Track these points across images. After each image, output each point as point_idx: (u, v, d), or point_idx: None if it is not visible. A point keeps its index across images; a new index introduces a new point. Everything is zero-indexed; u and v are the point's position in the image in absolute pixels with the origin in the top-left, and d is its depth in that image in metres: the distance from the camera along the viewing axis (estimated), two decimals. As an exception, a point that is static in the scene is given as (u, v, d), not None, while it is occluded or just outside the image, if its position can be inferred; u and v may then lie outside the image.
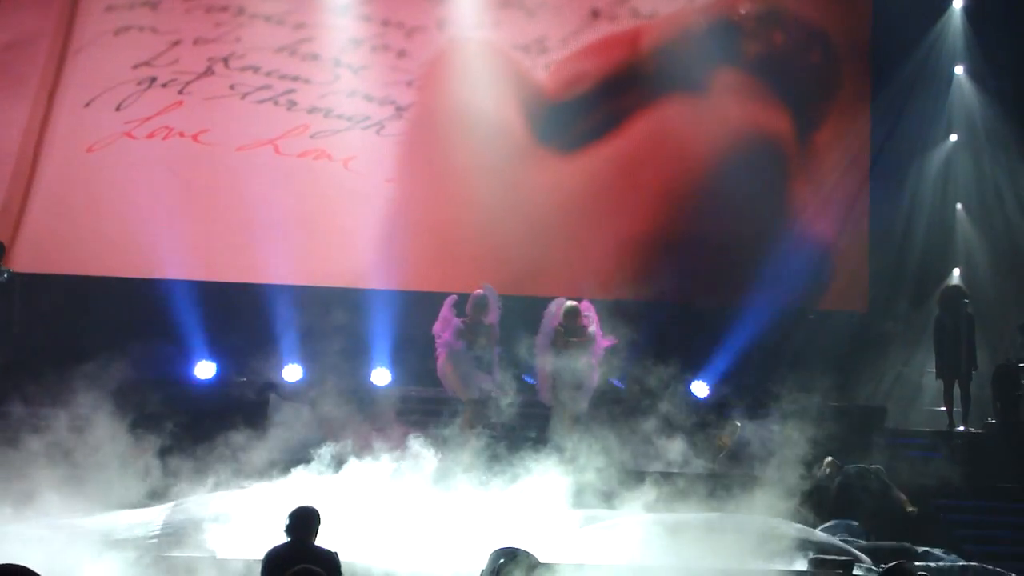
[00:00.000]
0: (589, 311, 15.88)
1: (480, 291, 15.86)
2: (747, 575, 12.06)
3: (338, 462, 13.27)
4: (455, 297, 15.83)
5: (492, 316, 15.80)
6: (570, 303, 15.81)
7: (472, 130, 18.56)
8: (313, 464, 13.31)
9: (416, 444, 13.20)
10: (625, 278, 18.52)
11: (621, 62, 18.91)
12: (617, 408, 16.04)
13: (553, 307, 15.87)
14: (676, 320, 18.28)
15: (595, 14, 19.07)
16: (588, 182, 18.73)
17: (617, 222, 18.74)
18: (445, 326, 15.67)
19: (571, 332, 15.71)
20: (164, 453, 13.28)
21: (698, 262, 18.51)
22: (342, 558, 9.24)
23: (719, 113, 18.93)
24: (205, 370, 17.24)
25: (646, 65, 18.93)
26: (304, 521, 9.27)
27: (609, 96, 18.80)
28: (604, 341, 15.88)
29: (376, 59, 18.61)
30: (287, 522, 9.30)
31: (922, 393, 18.75)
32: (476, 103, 18.59)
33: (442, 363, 15.70)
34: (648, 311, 18.17)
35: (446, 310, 15.74)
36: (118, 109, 18.08)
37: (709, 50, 18.94)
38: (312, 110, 18.46)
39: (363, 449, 13.77)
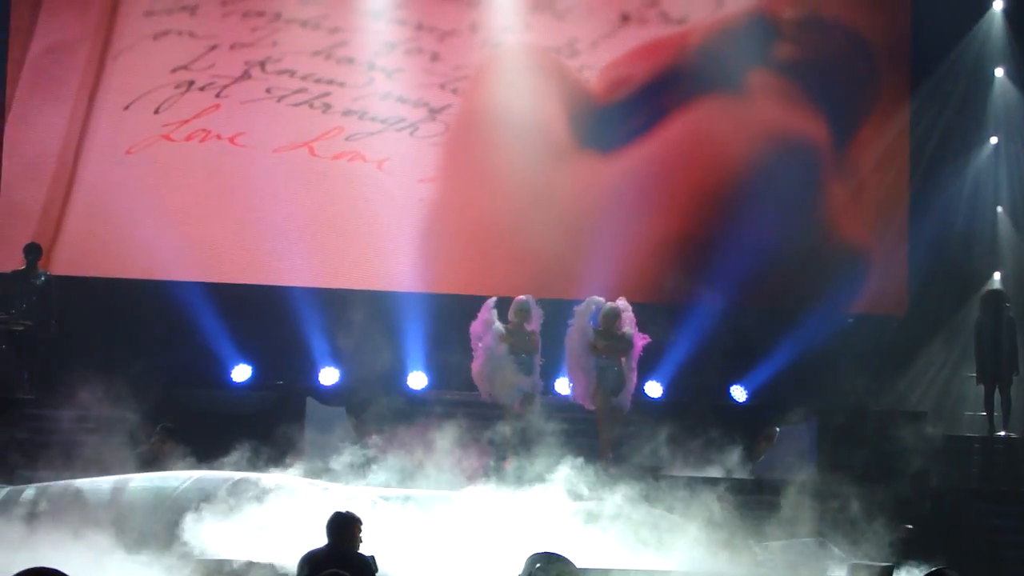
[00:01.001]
0: (627, 311, 15.65)
1: (523, 297, 15.68)
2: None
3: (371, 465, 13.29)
4: (495, 299, 15.67)
5: (534, 324, 15.58)
6: (609, 305, 15.56)
7: (509, 132, 18.58)
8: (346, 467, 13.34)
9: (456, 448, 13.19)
10: (661, 280, 18.48)
11: (662, 65, 18.86)
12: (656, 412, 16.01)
13: (586, 307, 15.60)
14: (714, 323, 18.17)
15: (625, 18, 19.08)
16: (626, 184, 18.67)
17: (653, 224, 18.67)
18: (486, 329, 15.47)
19: (610, 335, 15.49)
20: (197, 457, 13.26)
21: (735, 265, 18.41)
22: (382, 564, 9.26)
23: (756, 116, 18.86)
24: (241, 373, 17.27)
25: (685, 67, 18.88)
26: (343, 526, 9.27)
27: (649, 98, 18.77)
28: (641, 340, 15.69)
29: (410, 62, 18.69)
30: (327, 526, 9.30)
31: (963, 398, 18.60)
32: (515, 105, 18.63)
33: (480, 365, 15.49)
34: (684, 314, 18.12)
35: (486, 312, 15.54)
36: (156, 112, 18.20)
37: (746, 52, 18.87)
38: (347, 113, 18.55)
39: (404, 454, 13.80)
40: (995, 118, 19.62)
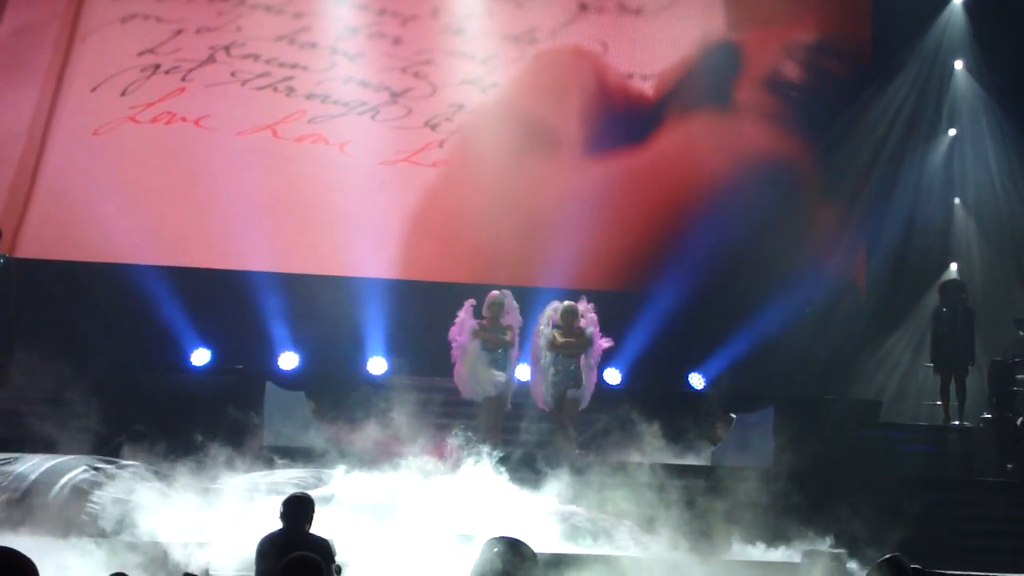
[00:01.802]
0: (588, 311, 15.54)
1: (496, 292, 15.56)
2: (743, 566, 12.06)
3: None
4: (473, 300, 15.55)
5: (510, 318, 15.45)
6: (567, 302, 15.48)
7: (488, 122, 18.69)
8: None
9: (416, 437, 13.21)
10: (628, 272, 18.59)
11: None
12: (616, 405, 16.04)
13: (549, 310, 15.52)
14: (674, 314, 18.25)
15: (583, 7, 19.21)
16: (601, 184, 18.79)
17: (622, 218, 18.80)
18: (461, 329, 15.39)
19: (568, 332, 15.37)
20: (157, 441, 13.21)
21: (696, 256, 18.52)
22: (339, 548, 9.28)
23: (734, 129, 19.02)
24: (200, 357, 17.24)
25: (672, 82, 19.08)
26: (298, 508, 9.25)
27: (642, 108, 18.94)
28: (602, 343, 15.57)
29: (371, 46, 18.78)
30: (281, 509, 9.29)
31: (919, 387, 18.75)
32: (505, 99, 18.74)
33: (458, 367, 15.40)
34: (648, 304, 18.20)
35: (462, 313, 15.43)
36: (123, 94, 18.22)
37: (717, 68, 19.06)
38: (310, 96, 18.63)
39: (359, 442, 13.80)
40: (954, 110, 19.76)
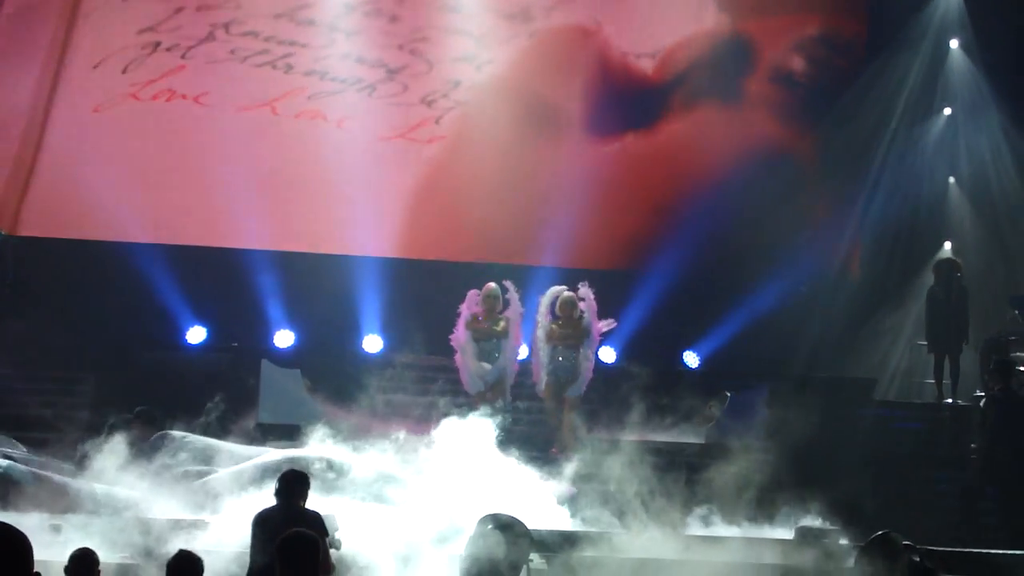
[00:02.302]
0: (587, 297, 15.33)
1: (492, 284, 15.26)
2: (736, 542, 12.13)
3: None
4: (476, 292, 15.27)
5: (510, 310, 15.19)
6: (567, 293, 15.26)
7: (493, 99, 18.72)
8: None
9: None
10: (625, 252, 18.64)
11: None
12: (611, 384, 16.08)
13: (549, 297, 15.29)
14: (670, 293, 18.29)
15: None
16: (598, 164, 18.82)
17: (622, 197, 18.84)
18: (461, 321, 15.18)
19: (567, 324, 15.19)
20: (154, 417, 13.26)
21: (694, 234, 18.57)
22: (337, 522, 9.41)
23: (731, 114, 19.06)
24: (196, 335, 17.29)
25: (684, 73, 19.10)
26: (293, 484, 9.40)
27: (641, 88, 18.93)
28: (600, 326, 15.42)
29: (369, 24, 18.81)
30: (276, 485, 9.43)
31: (913, 365, 18.81)
32: (512, 77, 18.72)
33: (456, 359, 15.23)
34: (643, 283, 18.24)
35: (464, 305, 15.20)
36: (124, 72, 18.27)
37: (721, 59, 19.10)
38: (308, 73, 18.68)
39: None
40: (949, 89, 19.77)
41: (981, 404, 15.27)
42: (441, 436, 13.03)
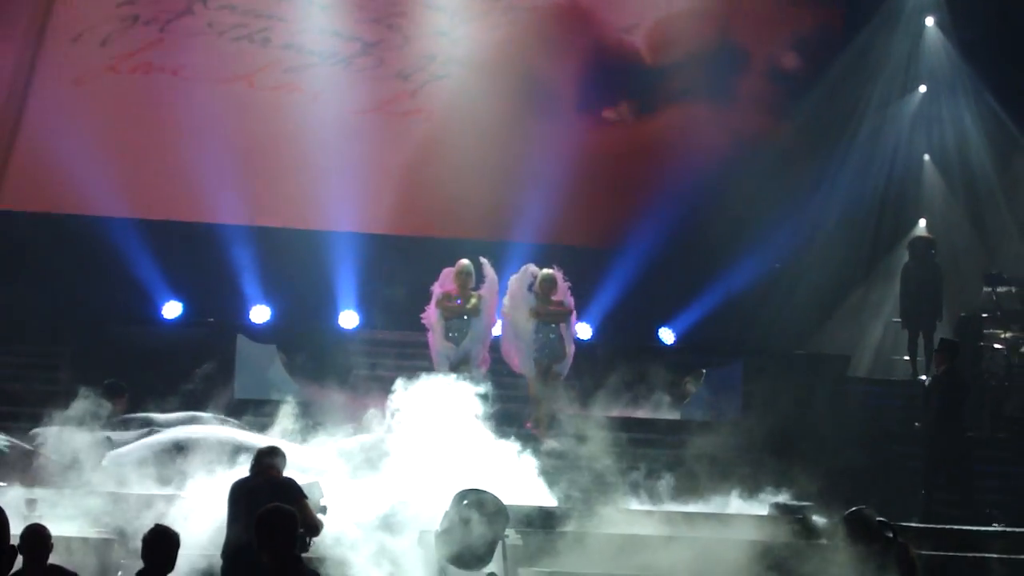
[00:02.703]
0: (562, 279, 15.19)
1: (464, 260, 15.03)
2: (711, 518, 12.18)
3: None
4: (449, 269, 15.04)
5: (485, 286, 14.96)
6: (547, 271, 15.11)
7: (459, 75, 18.68)
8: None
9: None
10: (601, 228, 18.65)
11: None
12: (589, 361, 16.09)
13: (522, 274, 15.09)
14: (645, 269, 18.31)
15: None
16: (576, 140, 18.81)
17: (600, 180, 18.82)
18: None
19: (548, 302, 15.04)
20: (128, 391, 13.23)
21: (675, 220, 18.61)
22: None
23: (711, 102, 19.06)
24: (172, 310, 17.24)
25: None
26: (265, 456, 9.63)
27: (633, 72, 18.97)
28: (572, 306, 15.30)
29: (344, -3, 18.79)
30: (252, 458, 9.68)
31: (887, 342, 18.88)
32: (475, 51, 18.67)
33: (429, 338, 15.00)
34: (619, 260, 18.27)
35: (436, 286, 14.96)
36: (103, 45, 18.25)
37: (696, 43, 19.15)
38: (285, 47, 18.68)
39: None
40: (925, 67, 19.80)
41: (926, 384, 15.37)
42: (407, 410, 12.83)
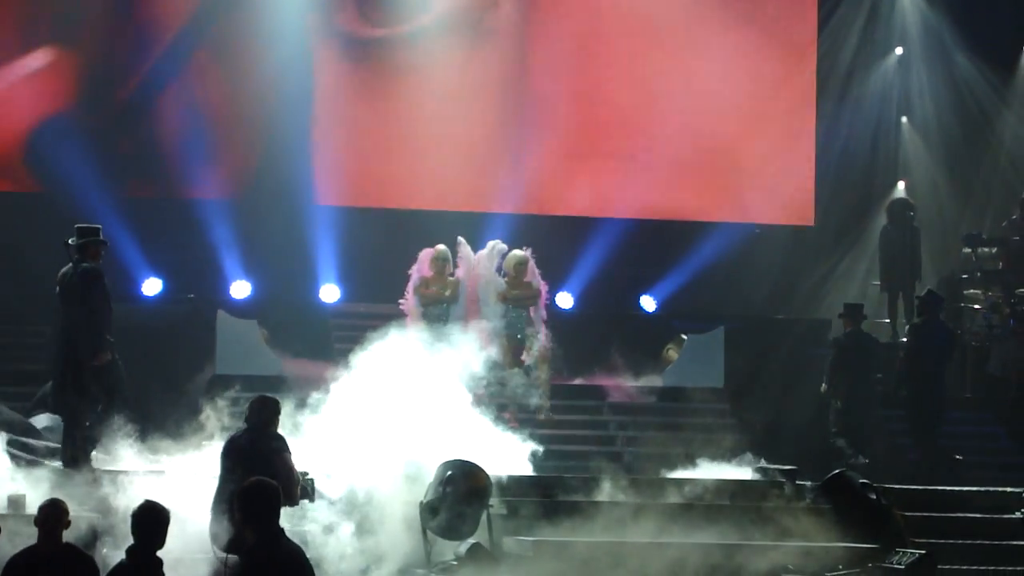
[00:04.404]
0: (530, 259, 14.89)
1: (440, 246, 14.72)
2: (695, 483, 12.21)
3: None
4: (429, 251, 14.74)
5: (461, 269, 14.70)
6: (518, 253, 14.78)
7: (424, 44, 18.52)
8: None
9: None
10: (580, 196, 18.62)
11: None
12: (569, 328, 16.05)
13: (490, 252, 14.78)
14: (626, 235, 18.29)
15: None
16: (550, 108, 18.67)
17: (572, 142, 18.73)
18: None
19: (516, 284, 14.75)
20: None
21: (649, 177, 18.56)
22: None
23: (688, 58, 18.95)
24: (152, 287, 17.17)
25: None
26: (261, 408, 9.73)
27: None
28: (543, 289, 15.00)
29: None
30: (246, 412, 9.83)
31: (867, 305, 18.89)
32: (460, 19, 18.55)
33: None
34: (597, 226, 18.25)
35: (413, 271, 14.73)
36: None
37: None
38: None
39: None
40: (900, 29, 19.77)
41: (833, 345, 15.48)
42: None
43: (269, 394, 10.15)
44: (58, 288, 11.99)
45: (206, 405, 11.80)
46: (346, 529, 10.75)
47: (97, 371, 11.85)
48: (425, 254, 14.72)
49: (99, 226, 12.25)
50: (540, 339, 14.76)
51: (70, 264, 11.91)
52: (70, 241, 11.97)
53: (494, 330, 14.50)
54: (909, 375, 15.02)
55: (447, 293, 14.59)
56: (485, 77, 18.67)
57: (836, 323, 16.66)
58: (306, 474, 10.04)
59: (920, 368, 14.87)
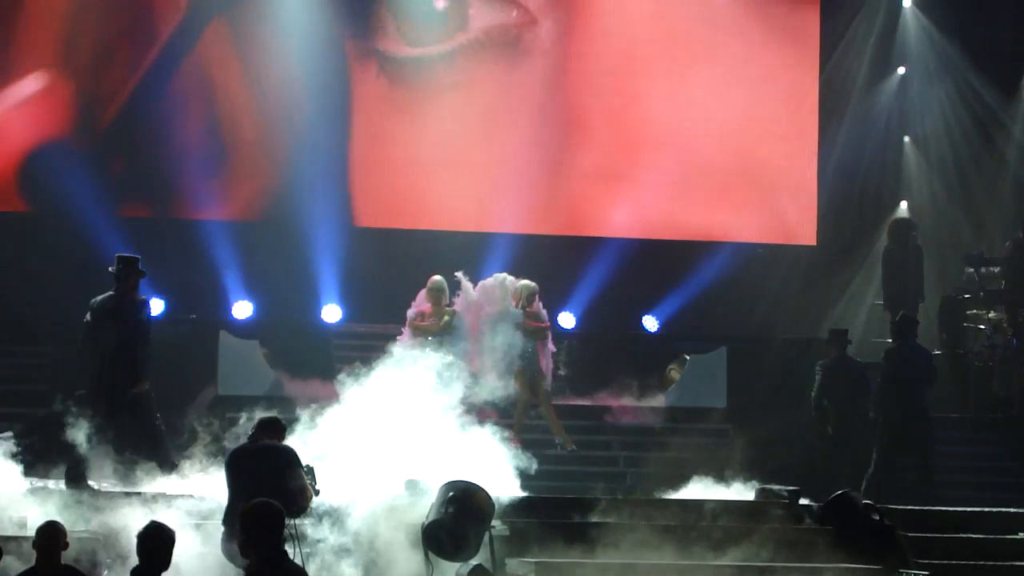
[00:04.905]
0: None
1: (436, 277, 14.28)
2: (698, 504, 12.18)
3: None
4: (424, 291, 14.37)
5: (459, 303, 14.31)
6: (528, 283, 14.46)
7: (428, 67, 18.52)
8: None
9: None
10: (586, 214, 18.62)
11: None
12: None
13: (500, 285, 14.41)
14: (628, 255, 18.29)
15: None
16: (552, 129, 18.67)
17: (580, 160, 18.73)
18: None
19: (532, 316, 14.45)
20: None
21: (651, 196, 18.57)
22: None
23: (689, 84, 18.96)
24: (154, 307, 17.14)
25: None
26: (267, 424, 9.88)
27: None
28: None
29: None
30: (252, 428, 9.92)
31: (870, 325, 18.89)
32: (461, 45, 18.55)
33: None
34: (601, 248, 18.26)
35: (411, 307, 14.33)
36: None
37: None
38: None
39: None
40: (903, 49, 19.80)
41: (816, 372, 15.45)
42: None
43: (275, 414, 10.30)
44: (94, 314, 12.24)
45: (208, 425, 11.80)
46: (347, 551, 10.72)
47: (134, 397, 12.19)
48: (422, 292, 14.36)
49: (139, 256, 12.59)
50: (548, 383, 14.57)
51: (109, 293, 12.24)
52: (110, 269, 12.34)
53: (510, 363, 14.23)
54: (882, 401, 14.90)
55: (441, 323, 14.10)
56: (482, 97, 18.64)
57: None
58: (311, 469, 10.02)
59: (899, 393, 14.78)
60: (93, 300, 12.47)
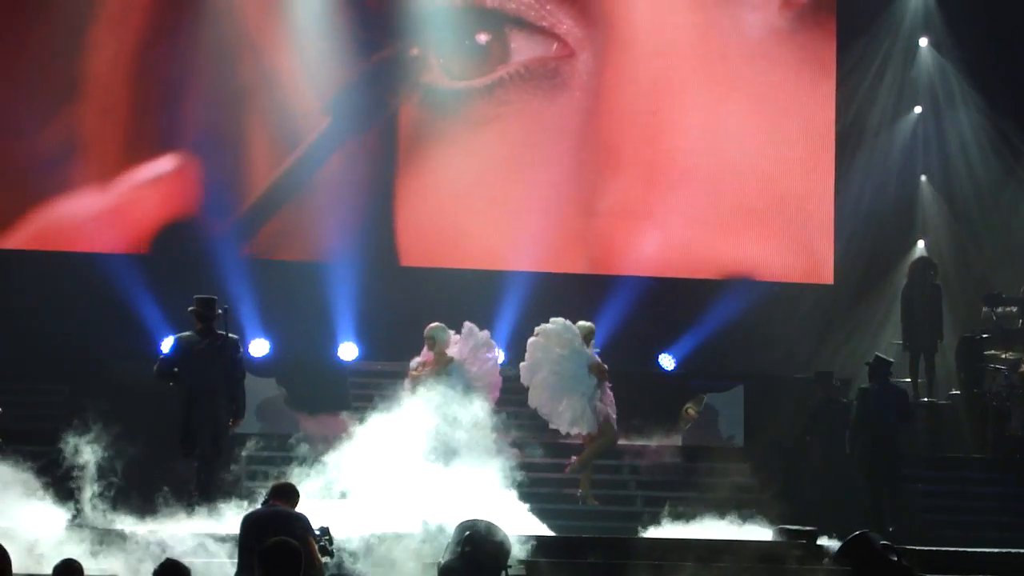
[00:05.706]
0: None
1: (434, 324, 13.76)
2: (716, 543, 12.13)
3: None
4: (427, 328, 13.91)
5: (459, 350, 13.64)
6: (587, 324, 14.18)
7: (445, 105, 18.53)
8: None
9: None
10: (599, 255, 18.62)
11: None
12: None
13: (566, 330, 13.90)
14: (644, 293, 18.28)
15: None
16: (569, 167, 18.66)
17: (594, 206, 18.73)
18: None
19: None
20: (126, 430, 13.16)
21: (669, 234, 18.57)
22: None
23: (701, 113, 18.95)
24: (169, 344, 17.15)
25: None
26: (282, 490, 9.89)
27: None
28: None
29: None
30: (266, 493, 9.97)
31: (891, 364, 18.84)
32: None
33: None
34: (617, 286, 18.25)
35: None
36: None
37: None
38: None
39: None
40: (919, 88, 19.81)
41: (806, 411, 15.46)
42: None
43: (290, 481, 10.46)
44: (183, 354, 12.70)
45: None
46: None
47: (225, 433, 12.75)
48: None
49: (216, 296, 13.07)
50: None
51: (194, 332, 12.72)
52: (190, 309, 12.82)
53: (586, 408, 13.96)
54: (855, 439, 14.92)
55: (433, 372, 13.49)
56: (501, 135, 18.65)
57: (857, 380, 16.67)
58: (326, 530, 9.98)
59: (871, 432, 14.76)
60: (178, 337, 12.98)
